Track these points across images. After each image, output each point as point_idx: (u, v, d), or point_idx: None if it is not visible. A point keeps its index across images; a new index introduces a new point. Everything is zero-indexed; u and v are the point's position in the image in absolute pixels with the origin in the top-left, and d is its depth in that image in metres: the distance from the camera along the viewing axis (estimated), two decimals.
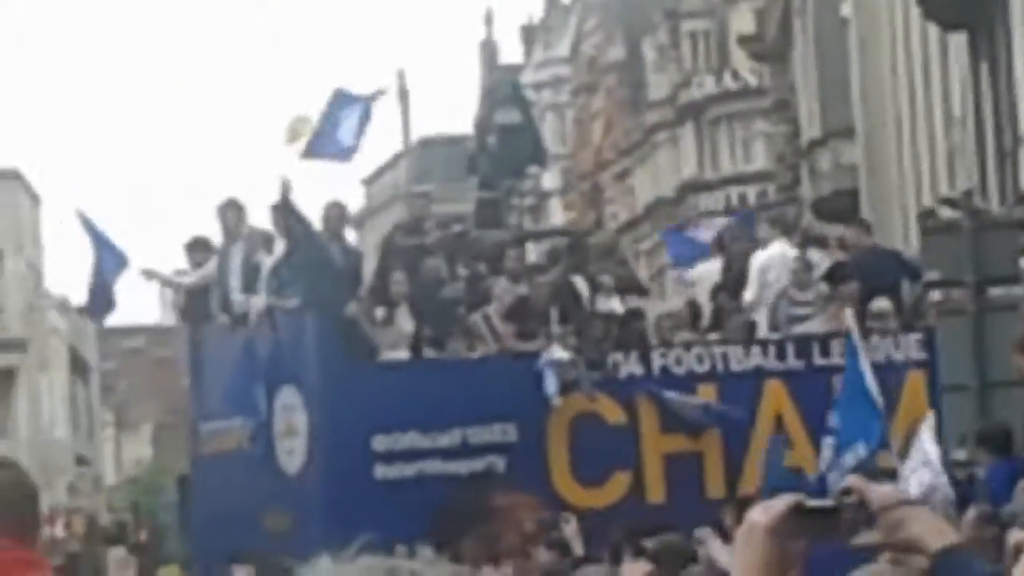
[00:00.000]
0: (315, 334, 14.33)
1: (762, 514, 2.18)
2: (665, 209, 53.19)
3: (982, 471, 10.92)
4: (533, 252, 19.97)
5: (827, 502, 2.16)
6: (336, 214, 14.95)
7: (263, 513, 13.85)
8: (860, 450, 12.03)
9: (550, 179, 57.92)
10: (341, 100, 15.22)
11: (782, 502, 2.10)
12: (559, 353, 13.76)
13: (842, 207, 27.16)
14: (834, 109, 31.91)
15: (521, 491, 12.28)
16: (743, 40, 46.24)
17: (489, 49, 69.08)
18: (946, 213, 15.42)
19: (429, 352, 14.60)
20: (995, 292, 13.23)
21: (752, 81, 50.10)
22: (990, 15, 20.58)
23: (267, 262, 14.66)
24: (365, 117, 15.05)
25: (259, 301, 14.51)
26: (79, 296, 20.79)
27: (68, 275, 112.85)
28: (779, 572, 2.04)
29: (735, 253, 16.06)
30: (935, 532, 2.08)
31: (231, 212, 15.34)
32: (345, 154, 15.47)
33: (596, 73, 63.36)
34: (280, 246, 14.57)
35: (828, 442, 12.64)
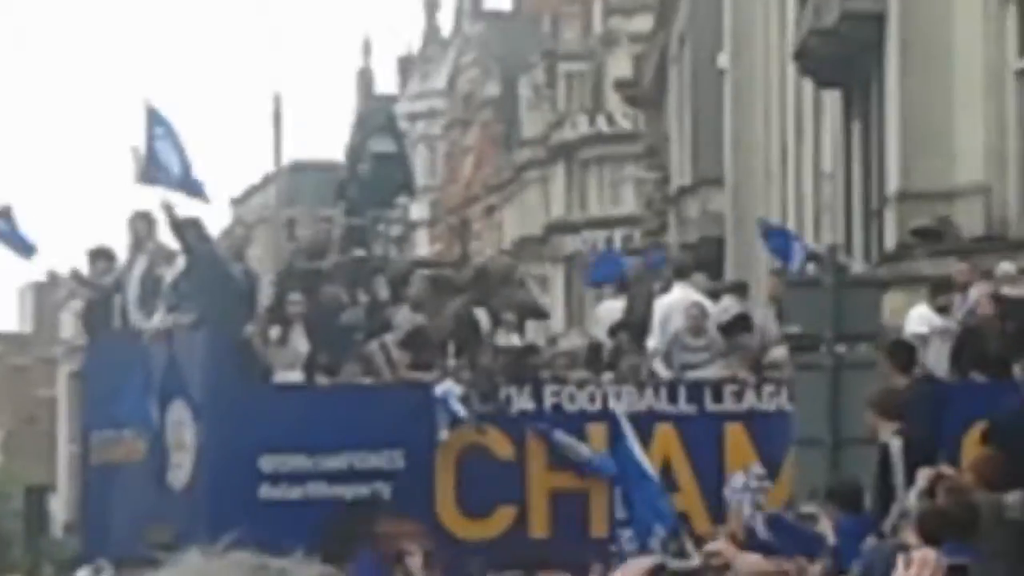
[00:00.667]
0: (208, 351, 14.29)
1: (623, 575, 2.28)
2: (532, 247, 53.86)
3: (827, 526, 10.94)
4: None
5: (691, 563, 2.30)
6: (241, 234, 14.88)
7: (148, 524, 13.64)
8: (659, 530, 12.27)
9: (418, 210, 58.20)
10: (154, 120, 15.10)
11: (645, 562, 2.22)
12: (452, 387, 13.82)
13: (708, 255, 27.60)
14: (705, 157, 32.54)
15: (405, 518, 12.36)
16: (619, 85, 47.32)
17: (366, 78, 69.72)
18: (809, 268, 15.76)
19: (322, 379, 14.54)
20: (854, 349, 13.41)
21: (625, 126, 51.13)
22: (865, 75, 21.30)
23: (168, 276, 14.54)
24: (177, 144, 14.99)
25: (157, 315, 14.44)
26: None
27: None
28: None
29: (637, 294, 16.20)
30: None
31: (140, 223, 15.17)
32: (188, 188, 15.24)
33: (471, 108, 64.09)
34: (181, 261, 14.46)
35: (627, 535, 12.98)
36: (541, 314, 18.26)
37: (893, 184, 19.09)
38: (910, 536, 8.99)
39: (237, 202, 63.44)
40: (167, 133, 14.86)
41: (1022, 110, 18.38)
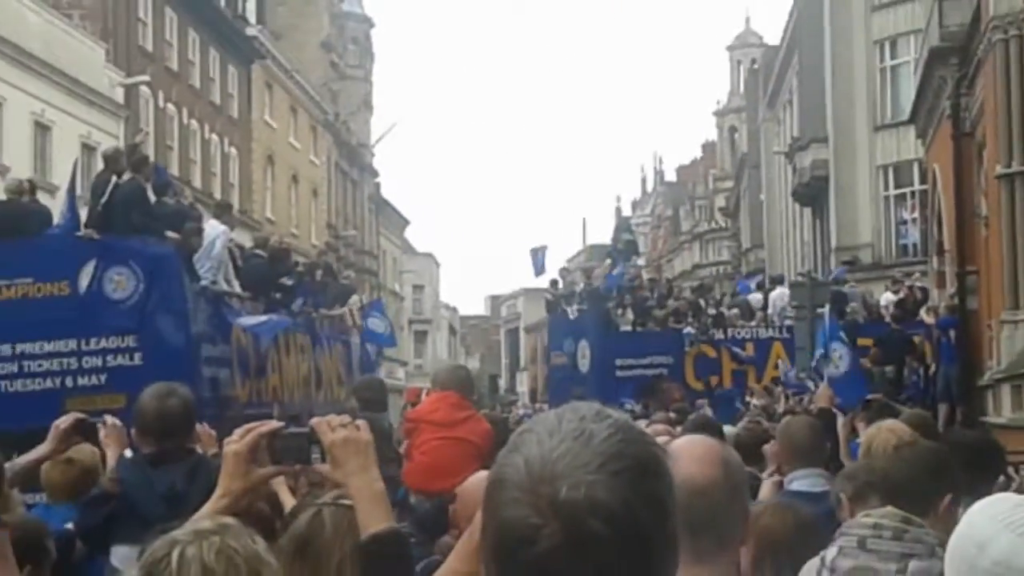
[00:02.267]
0: None
1: (238, 441, 2.91)
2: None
3: None
4: None
5: (302, 429, 2.96)
6: None
7: None
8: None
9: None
10: None
11: (260, 428, 2.91)
12: None
13: None
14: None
15: None
16: (720, 209, 68.28)
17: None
18: None
19: None
20: None
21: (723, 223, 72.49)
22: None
23: None
24: None
25: None
26: None
27: None
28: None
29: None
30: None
31: None
32: None
33: (658, 220, 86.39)
34: None
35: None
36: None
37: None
38: None
39: None
40: None
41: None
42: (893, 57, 34.63)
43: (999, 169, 15.92)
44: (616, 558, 1.50)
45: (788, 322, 23.73)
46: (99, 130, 32.15)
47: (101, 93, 32.23)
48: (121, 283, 11.10)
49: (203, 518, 2.64)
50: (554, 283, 28.75)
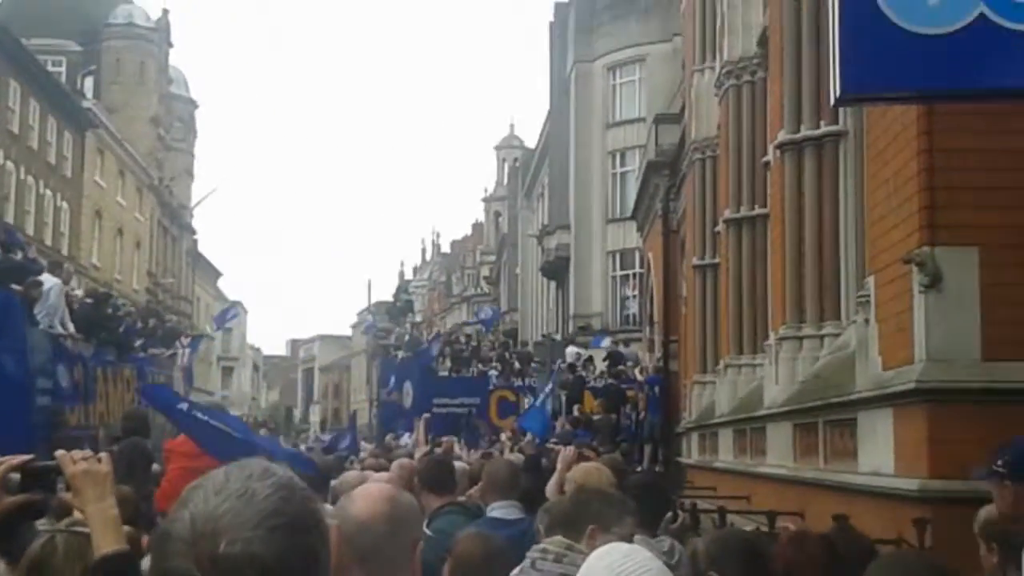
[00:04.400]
0: None
1: None
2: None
3: None
4: None
5: (49, 462, 2.75)
6: None
7: None
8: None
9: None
10: None
11: (11, 461, 2.71)
12: None
13: None
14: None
15: None
16: (486, 279, 69.44)
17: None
18: None
19: None
20: None
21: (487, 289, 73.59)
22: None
23: None
24: None
25: None
26: None
27: None
28: None
29: None
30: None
31: None
32: None
33: (436, 291, 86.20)
34: None
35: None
36: None
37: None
38: None
39: None
40: None
41: None
42: (622, 165, 35.92)
43: (695, 261, 16.65)
44: None
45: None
46: None
47: None
48: None
49: None
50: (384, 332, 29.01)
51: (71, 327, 14.32)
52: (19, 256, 14.31)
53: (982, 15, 3.86)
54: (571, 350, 26.84)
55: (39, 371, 12.19)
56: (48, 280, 13.88)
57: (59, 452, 2.81)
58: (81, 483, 2.70)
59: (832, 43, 4.05)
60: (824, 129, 9.96)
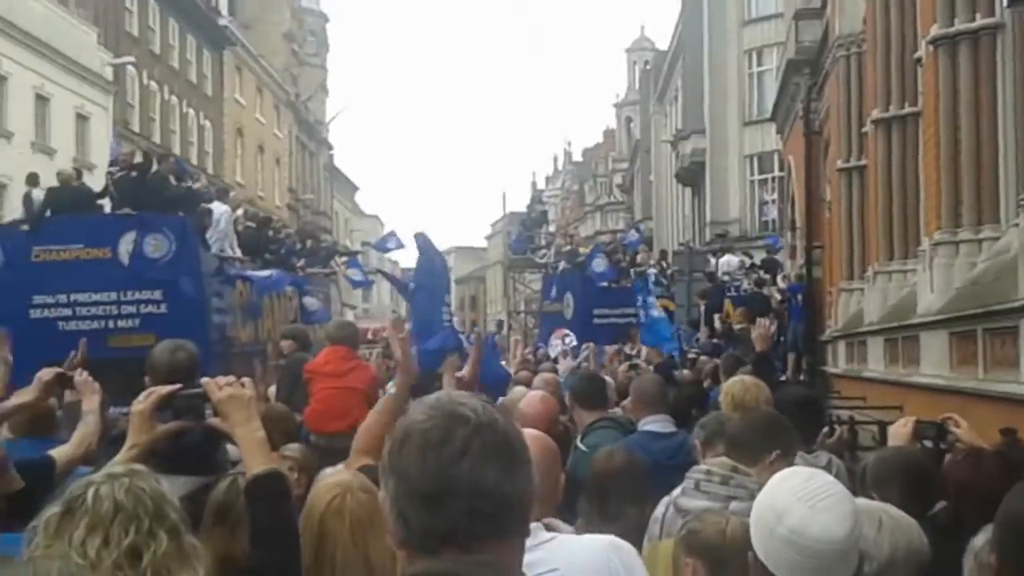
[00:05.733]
0: None
1: (143, 402, 2.94)
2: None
3: None
4: None
5: (196, 389, 2.91)
6: None
7: None
8: None
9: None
10: None
11: (162, 390, 2.94)
12: None
13: None
14: None
15: None
16: (618, 187, 68.46)
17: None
18: None
19: None
20: None
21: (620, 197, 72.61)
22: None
23: None
24: None
25: None
26: None
27: None
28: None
29: None
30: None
31: None
32: None
33: (571, 198, 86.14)
34: None
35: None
36: None
37: None
38: None
39: None
40: None
41: None
42: (759, 64, 34.89)
43: (839, 164, 16.13)
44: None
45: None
46: (91, 102, 31.43)
47: (93, 71, 31.44)
48: (158, 246, 11.96)
49: (115, 464, 2.64)
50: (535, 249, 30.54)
51: (238, 251, 15.31)
52: (190, 184, 15.07)
53: None
54: (729, 259, 26.20)
55: (213, 292, 12.94)
56: (218, 208, 14.74)
57: (204, 380, 2.98)
58: (228, 408, 2.85)
59: None
60: (980, 22, 9.44)
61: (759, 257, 25.94)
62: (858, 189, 15.50)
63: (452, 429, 1.53)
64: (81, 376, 4.48)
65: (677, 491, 3.60)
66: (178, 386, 3.02)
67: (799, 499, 2.25)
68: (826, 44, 17.70)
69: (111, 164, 15.22)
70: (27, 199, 15.62)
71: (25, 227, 12.87)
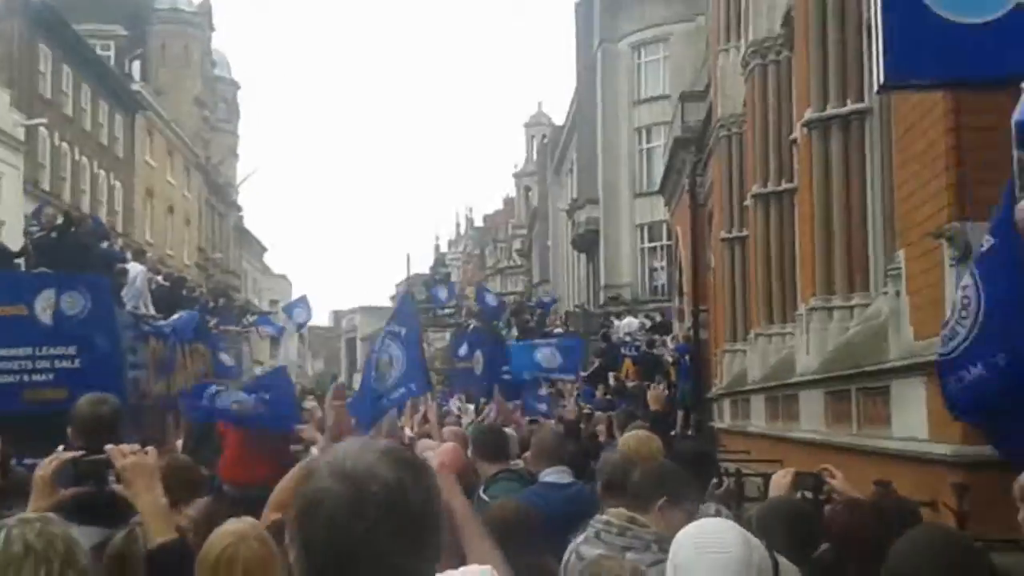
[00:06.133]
0: None
1: (44, 468, 2.94)
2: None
3: None
4: None
5: (100, 456, 2.91)
6: None
7: None
8: None
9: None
10: None
11: (63, 456, 2.95)
12: None
13: None
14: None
15: None
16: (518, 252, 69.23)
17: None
18: None
19: None
20: None
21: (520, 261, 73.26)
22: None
23: None
24: None
25: None
26: None
27: None
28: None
29: None
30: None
31: None
32: None
33: (471, 266, 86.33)
34: None
35: None
36: None
37: None
38: None
39: None
40: None
41: None
42: (649, 141, 35.79)
43: (723, 234, 16.60)
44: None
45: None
46: (2, 162, 30.52)
47: (5, 131, 30.58)
48: (74, 303, 11.67)
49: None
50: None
51: (151, 308, 15.29)
52: (107, 245, 15.21)
53: (1019, 4, 3.85)
54: (630, 321, 26.54)
55: (128, 348, 12.82)
56: (133, 268, 14.84)
57: (109, 447, 2.95)
58: (131, 475, 2.84)
59: (874, 33, 4.05)
60: (851, 107, 9.91)
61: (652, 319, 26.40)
62: (740, 257, 15.95)
63: (362, 504, 1.44)
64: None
65: (580, 538, 3.65)
66: (81, 453, 2.97)
67: (691, 543, 2.34)
68: (710, 124, 18.29)
69: (32, 225, 14.98)
70: None
71: None
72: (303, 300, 22.94)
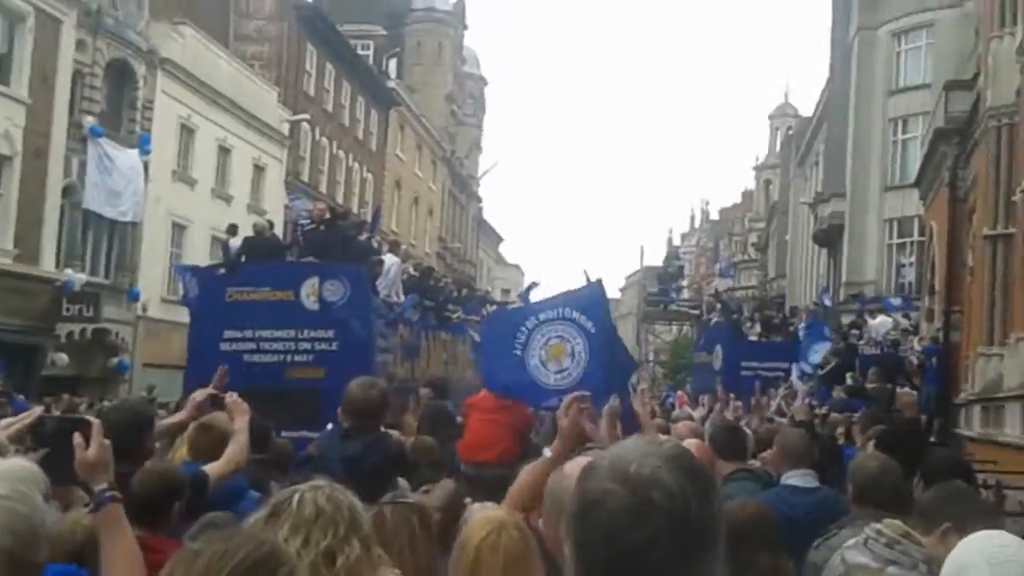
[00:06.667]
0: None
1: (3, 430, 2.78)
2: None
3: None
4: None
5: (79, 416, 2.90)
6: None
7: None
8: None
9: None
10: None
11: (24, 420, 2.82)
12: None
13: None
14: None
15: None
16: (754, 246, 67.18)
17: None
18: None
19: None
20: None
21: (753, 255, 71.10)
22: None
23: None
24: None
25: None
26: None
27: None
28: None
29: None
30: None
31: None
32: None
33: (702, 255, 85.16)
34: None
35: None
36: None
37: None
38: None
39: None
40: None
41: None
42: (904, 132, 33.92)
43: (986, 231, 15.51)
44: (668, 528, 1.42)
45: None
46: (267, 154, 32.81)
47: (271, 126, 32.85)
48: (335, 290, 12.46)
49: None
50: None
51: (403, 297, 15.96)
52: (367, 238, 15.92)
53: None
54: (883, 320, 25.16)
55: (379, 333, 13.50)
56: (389, 259, 15.53)
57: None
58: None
59: None
60: None
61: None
62: (1003, 256, 14.88)
63: (644, 513, 1.39)
64: (231, 397, 4.66)
65: (850, 542, 3.46)
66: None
67: (983, 559, 2.16)
68: (976, 114, 17.13)
69: (304, 218, 16.08)
70: (225, 247, 16.80)
71: (222, 271, 13.81)
72: (535, 286, 23.32)
